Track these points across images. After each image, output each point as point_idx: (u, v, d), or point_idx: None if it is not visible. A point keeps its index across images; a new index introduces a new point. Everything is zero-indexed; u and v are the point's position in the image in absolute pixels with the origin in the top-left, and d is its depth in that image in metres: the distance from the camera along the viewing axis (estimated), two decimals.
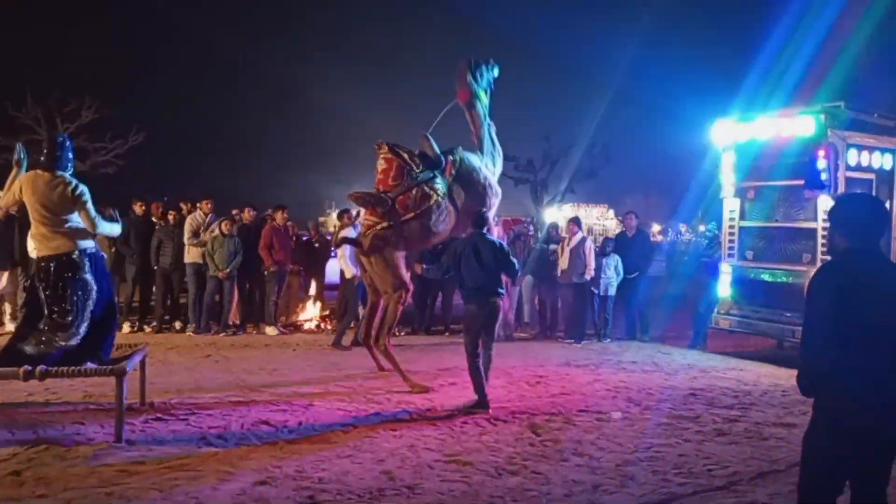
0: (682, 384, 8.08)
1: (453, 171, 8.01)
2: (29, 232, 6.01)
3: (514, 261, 7.16)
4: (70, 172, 5.93)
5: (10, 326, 9.93)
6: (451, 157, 8.02)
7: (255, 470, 4.96)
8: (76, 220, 5.84)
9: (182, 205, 11.93)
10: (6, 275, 10.68)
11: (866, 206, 3.39)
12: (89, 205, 5.90)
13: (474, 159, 8.26)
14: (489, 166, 8.43)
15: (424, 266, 8.00)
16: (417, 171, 7.76)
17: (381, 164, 7.87)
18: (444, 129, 8.37)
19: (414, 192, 7.70)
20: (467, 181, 8.12)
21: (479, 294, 6.90)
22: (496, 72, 8.60)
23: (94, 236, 6.05)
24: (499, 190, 8.50)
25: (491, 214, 8.23)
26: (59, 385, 7.03)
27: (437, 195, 7.80)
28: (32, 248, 10.11)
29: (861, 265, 3.17)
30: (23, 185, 5.79)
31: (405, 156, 7.76)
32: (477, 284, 6.89)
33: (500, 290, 7.08)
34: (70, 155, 5.96)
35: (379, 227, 7.67)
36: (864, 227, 3.25)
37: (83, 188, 5.87)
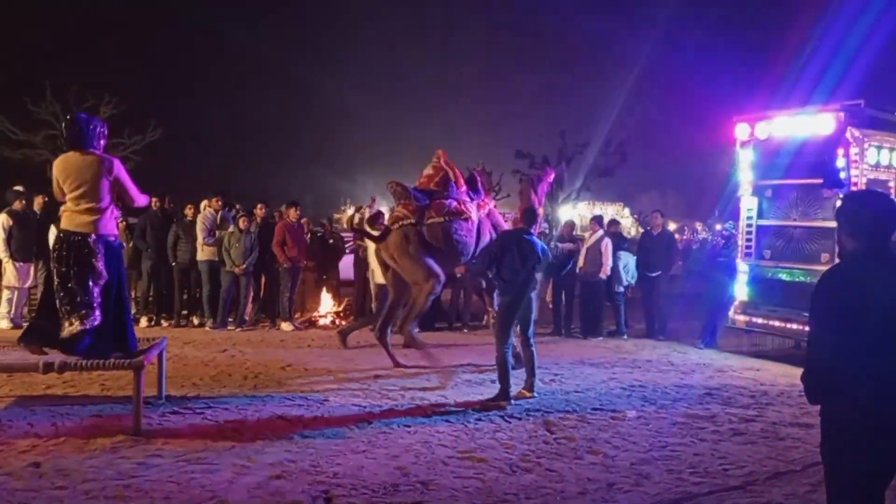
0: (697, 383, 8.04)
1: (485, 211, 8.58)
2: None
3: (548, 258, 7.44)
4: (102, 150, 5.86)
5: None
6: (487, 201, 8.63)
7: (270, 464, 4.99)
8: (104, 203, 5.73)
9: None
10: (32, 268, 10.84)
11: (875, 204, 3.15)
12: (128, 182, 5.88)
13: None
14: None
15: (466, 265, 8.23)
16: (459, 190, 8.27)
17: (429, 170, 8.33)
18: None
19: (449, 203, 8.13)
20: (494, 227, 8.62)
21: (517, 287, 7.02)
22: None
23: (116, 224, 6.07)
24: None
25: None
26: (77, 378, 7.12)
27: (470, 213, 8.26)
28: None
29: (868, 267, 3.00)
30: (56, 170, 5.75)
31: (456, 171, 8.29)
32: (515, 278, 7.00)
33: (535, 286, 7.22)
34: (96, 131, 5.81)
35: (406, 221, 7.83)
36: (873, 227, 3.05)
37: (115, 161, 5.80)
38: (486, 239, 8.42)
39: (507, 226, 8.92)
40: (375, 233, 8.46)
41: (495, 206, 8.91)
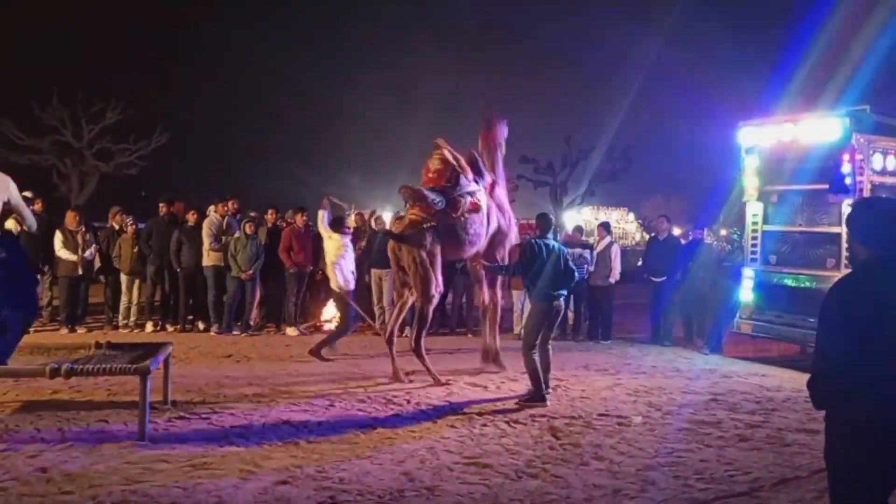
0: (703, 389, 8.02)
1: (491, 195, 8.44)
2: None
3: (574, 269, 7.44)
4: None
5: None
6: (488, 179, 8.43)
7: (276, 469, 5.00)
8: None
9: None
10: (37, 274, 10.87)
11: (886, 212, 3.13)
12: None
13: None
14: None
15: (487, 264, 8.18)
16: (469, 180, 8.10)
17: (435, 164, 8.10)
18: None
19: (464, 200, 7.99)
20: (499, 208, 8.54)
21: (548, 294, 7.11)
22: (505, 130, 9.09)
23: None
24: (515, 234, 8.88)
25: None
26: (83, 384, 7.13)
27: (482, 204, 8.17)
28: (59, 248, 10.25)
29: (880, 276, 2.97)
30: None
31: (462, 163, 8.11)
32: (547, 285, 7.10)
33: (564, 292, 7.34)
34: None
35: (427, 224, 7.75)
36: (885, 234, 3.02)
37: None
38: (494, 225, 8.39)
39: (507, 206, 8.84)
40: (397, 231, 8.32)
41: (495, 184, 8.70)
